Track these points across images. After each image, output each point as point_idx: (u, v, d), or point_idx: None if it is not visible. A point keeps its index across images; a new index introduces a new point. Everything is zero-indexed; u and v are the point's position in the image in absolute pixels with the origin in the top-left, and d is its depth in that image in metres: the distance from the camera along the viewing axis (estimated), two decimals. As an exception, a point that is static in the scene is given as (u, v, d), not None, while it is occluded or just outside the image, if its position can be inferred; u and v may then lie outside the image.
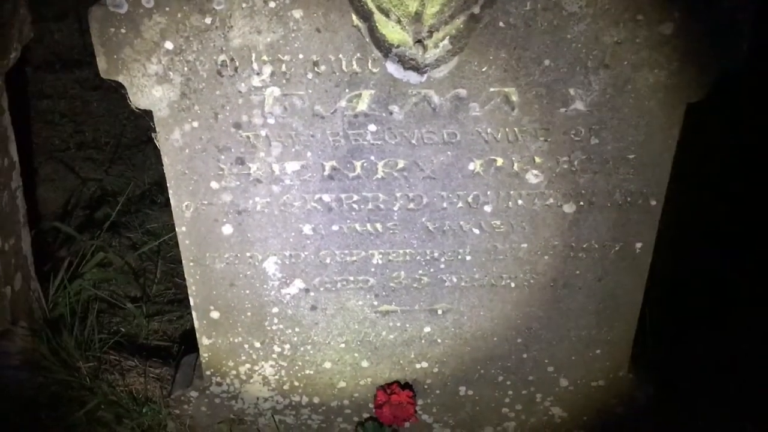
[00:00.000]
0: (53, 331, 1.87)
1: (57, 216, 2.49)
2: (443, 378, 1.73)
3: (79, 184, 2.78)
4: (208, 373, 1.73)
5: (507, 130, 1.39)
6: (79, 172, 2.86)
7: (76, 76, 3.55)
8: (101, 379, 1.86)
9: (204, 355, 1.70)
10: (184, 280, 1.85)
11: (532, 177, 1.44)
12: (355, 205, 1.48)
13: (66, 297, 1.97)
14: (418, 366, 1.70)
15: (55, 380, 1.83)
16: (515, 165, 1.43)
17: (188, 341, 2.02)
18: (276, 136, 1.40)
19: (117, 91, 1.37)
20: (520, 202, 1.47)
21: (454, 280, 1.58)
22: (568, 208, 1.48)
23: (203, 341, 1.68)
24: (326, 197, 1.47)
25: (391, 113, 1.37)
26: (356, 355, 1.69)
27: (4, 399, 1.78)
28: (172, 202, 1.48)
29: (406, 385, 1.72)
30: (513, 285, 1.58)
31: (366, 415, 1.77)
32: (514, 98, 1.35)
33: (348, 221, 1.50)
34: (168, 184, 1.46)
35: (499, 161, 1.42)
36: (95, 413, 1.83)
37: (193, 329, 1.71)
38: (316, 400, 1.76)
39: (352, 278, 1.58)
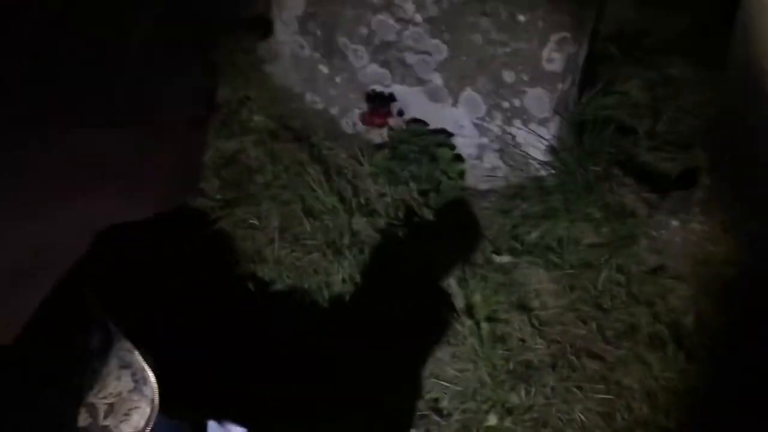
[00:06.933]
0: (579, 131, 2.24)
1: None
2: None
3: None
4: (695, 210, 1.93)
5: None
6: None
7: None
8: (602, 183, 2.19)
9: (699, 193, 1.90)
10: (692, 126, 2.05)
11: None
12: None
13: (595, 108, 2.30)
14: None
15: (566, 171, 2.22)
16: None
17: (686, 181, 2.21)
18: None
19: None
20: None
21: None
22: None
23: (704, 181, 1.87)
24: None
25: None
26: None
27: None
28: None
29: None
30: None
31: None
32: None
33: None
34: None
35: None
36: (585, 210, 2.19)
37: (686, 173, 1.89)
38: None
39: None
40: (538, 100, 2.11)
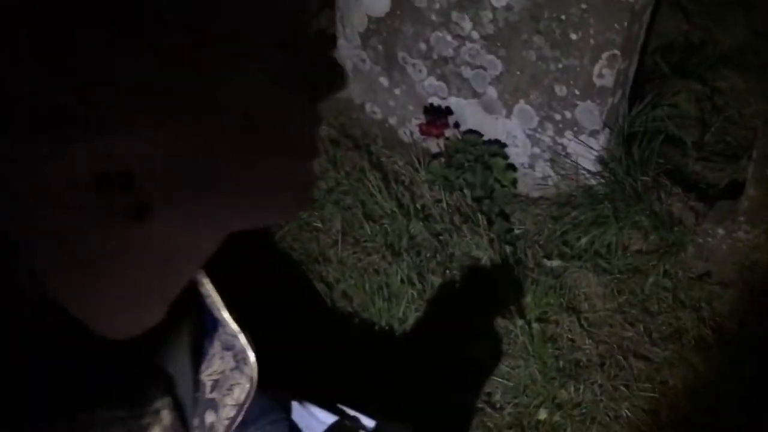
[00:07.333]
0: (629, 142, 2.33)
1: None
2: None
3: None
4: (741, 219, 2.01)
5: None
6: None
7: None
8: (650, 192, 2.28)
9: (745, 202, 1.98)
10: (740, 137, 2.11)
11: None
12: None
13: (645, 120, 2.39)
14: None
15: (615, 180, 2.32)
16: None
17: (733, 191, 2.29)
18: None
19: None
20: None
21: None
22: None
23: (750, 192, 1.95)
24: None
25: None
26: None
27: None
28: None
29: None
30: None
31: None
32: None
33: None
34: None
35: None
36: (633, 217, 2.28)
37: (733, 183, 1.98)
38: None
39: None
40: (588, 113, 2.22)
